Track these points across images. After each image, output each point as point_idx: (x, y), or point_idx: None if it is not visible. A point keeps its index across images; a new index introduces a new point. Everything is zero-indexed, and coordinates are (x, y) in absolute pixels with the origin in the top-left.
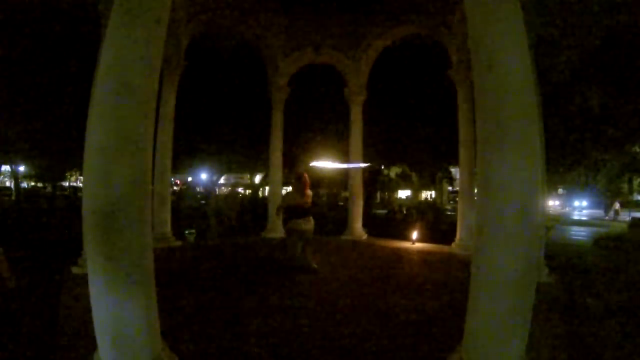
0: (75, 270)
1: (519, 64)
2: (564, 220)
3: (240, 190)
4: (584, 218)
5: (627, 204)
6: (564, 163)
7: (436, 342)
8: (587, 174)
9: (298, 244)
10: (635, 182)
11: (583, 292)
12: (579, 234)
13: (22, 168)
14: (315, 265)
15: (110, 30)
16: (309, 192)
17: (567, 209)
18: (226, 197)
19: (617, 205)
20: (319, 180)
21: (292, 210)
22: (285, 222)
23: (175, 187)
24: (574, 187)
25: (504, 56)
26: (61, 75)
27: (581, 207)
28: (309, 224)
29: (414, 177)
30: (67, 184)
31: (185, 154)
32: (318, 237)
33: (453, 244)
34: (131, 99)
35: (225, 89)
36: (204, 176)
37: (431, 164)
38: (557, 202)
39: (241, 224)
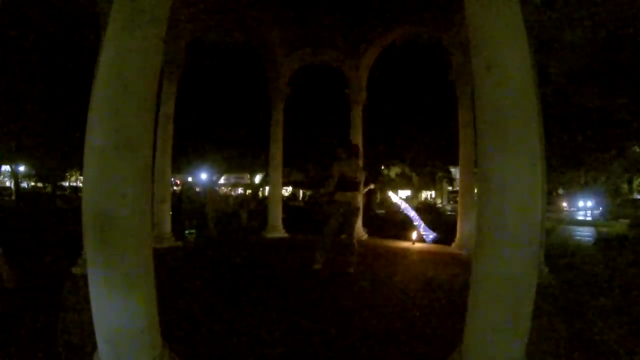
0: (75, 270)
1: (519, 64)
2: (568, 221)
3: (240, 190)
4: (588, 218)
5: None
6: (564, 163)
7: (436, 342)
8: (587, 174)
9: (336, 220)
10: (635, 182)
11: (583, 292)
12: (581, 234)
13: (22, 168)
14: (350, 270)
15: (110, 31)
16: (361, 168)
17: (572, 209)
18: (242, 197)
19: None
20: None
21: (340, 183)
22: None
23: (175, 187)
24: (574, 188)
25: (503, 56)
26: (61, 75)
27: (585, 208)
28: (353, 198)
29: (414, 177)
30: (67, 184)
31: (185, 154)
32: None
33: (453, 244)
34: (131, 99)
35: (225, 89)
36: (204, 176)
37: (431, 164)
38: (564, 204)
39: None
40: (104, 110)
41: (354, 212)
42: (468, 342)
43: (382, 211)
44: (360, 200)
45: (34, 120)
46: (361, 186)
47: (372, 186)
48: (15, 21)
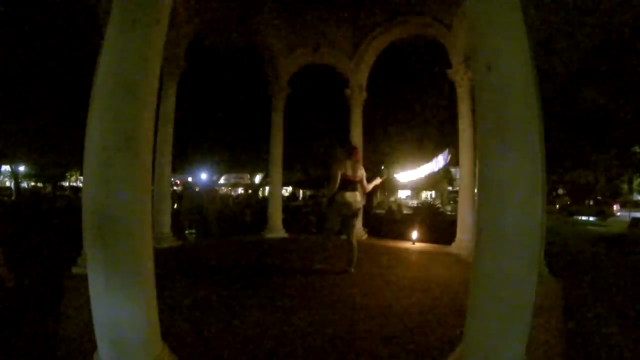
0: (75, 270)
1: (519, 64)
2: (568, 221)
3: (240, 190)
4: (589, 218)
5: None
6: (564, 163)
7: (436, 342)
8: (587, 175)
9: (337, 220)
10: (635, 182)
11: (583, 292)
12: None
13: (22, 168)
14: (351, 269)
15: (110, 31)
16: (361, 167)
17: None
18: (248, 197)
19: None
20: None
21: (340, 183)
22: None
23: (175, 187)
24: (575, 188)
25: (504, 56)
26: (61, 75)
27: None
28: (353, 198)
29: None
30: (67, 184)
31: (185, 154)
32: (317, 236)
33: (453, 244)
34: (131, 99)
35: (225, 89)
36: (204, 176)
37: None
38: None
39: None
40: (104, 110)
41: (354, 211)
42: (468, 342)
43: (382, 211)
44: (361, 200)
45: (34, 120)
46: (364, 185)
47: (378, 180)
48: (16, 21)
